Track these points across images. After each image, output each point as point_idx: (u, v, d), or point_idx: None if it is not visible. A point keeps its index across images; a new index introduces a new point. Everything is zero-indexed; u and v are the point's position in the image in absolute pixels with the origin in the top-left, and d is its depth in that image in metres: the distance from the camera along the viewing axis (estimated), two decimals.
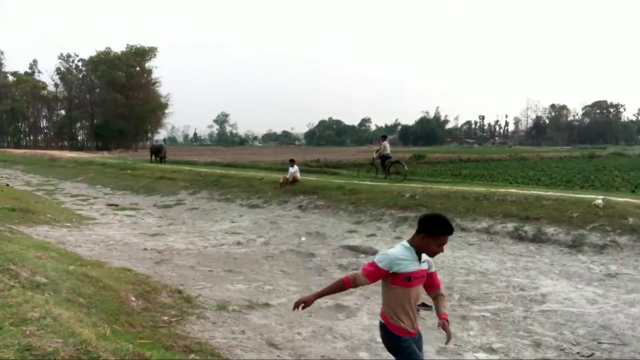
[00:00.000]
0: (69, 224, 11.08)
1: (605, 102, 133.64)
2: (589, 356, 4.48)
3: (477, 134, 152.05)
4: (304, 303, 3.07)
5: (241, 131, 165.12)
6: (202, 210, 14.31)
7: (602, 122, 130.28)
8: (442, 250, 2.93)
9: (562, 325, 5.22)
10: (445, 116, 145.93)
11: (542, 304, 5.91)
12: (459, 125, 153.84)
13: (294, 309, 3.09)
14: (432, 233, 2.84)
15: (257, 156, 45.27)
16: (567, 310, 5.65)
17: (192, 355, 3.71)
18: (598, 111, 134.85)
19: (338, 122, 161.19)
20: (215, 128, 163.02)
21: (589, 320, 5.32)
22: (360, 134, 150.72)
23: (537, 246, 8.36)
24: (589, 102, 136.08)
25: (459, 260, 7.99)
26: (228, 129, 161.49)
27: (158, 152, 30.73)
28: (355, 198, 12.41)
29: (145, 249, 8.62)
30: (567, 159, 46.29)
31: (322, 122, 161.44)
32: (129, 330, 4.17)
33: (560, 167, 31.79)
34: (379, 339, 4.87)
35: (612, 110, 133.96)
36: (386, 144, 16.81)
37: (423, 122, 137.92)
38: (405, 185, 13.36)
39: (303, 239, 9.98)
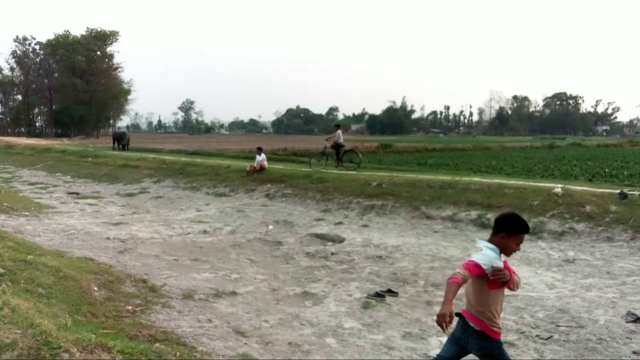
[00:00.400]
0: (27, 213, 10.71)
1: (565, 93, 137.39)
2: (547, 338, 4.64)
3: (442, 124, 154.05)
4: (450, 316, 2.72)
5: (207, 119, 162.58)
6: (167, 198, 14.07)
7: (562, 113, 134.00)
8: (519, 249, 3.03)
9: (522, 309, 5.38)
10: (412, 106, 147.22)
11: None
12: (425, 115, 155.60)
13: (444, 331, 2.79)
14: (512, 231, 2.93)
15: (223, 144, 44.74)
16: (527, 295, 5.83)
17: (157, 345, 3.65)
18: (558, 102, 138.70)
19: (306, 111, 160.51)
20: (180, 115, 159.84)
21: (548, 304, 5.51)
22: (328, 123, 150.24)
23: None
24: (550, 94, 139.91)
25: (424, 247, 8.13)
26: (194, 116, 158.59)
27: (120, 139, 30.03)
28: (322, 186, 12.43)
29: (108, 238, 8.42)
30: (529, 149, 47.47)
31: (289, 111, 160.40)
32: (91, 321, 4.07)
33: (521, 157, 32.61)
34: (346, 325, 4.93)
35: (571, 102, 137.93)
36: (339, 132, 17.02)
37: (390, 111, 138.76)
38: (372, 174, 13.47)
39: (270, 227, 9.95)
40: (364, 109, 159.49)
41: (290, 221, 10.37)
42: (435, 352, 3.31)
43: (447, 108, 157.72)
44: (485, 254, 2.95)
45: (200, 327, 4.46)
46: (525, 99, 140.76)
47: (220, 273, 6.60)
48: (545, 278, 6.43)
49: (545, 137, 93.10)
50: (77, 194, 15.10)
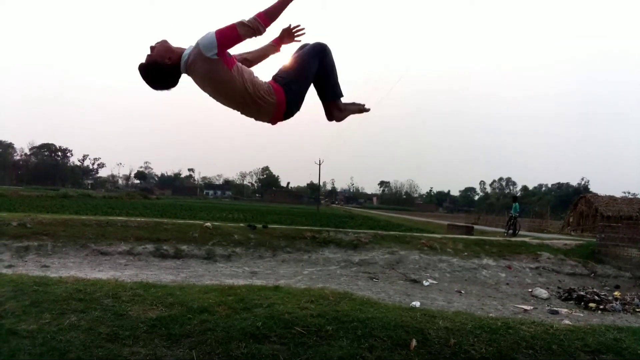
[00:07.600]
0: None
1: (54, 145, 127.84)
2: None
3: None
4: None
5: None
6: None
7: (51, 164, 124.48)
8: None
9: None
10: None
11: None
12: None
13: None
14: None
15: None
16: None
17: None
18: (47, 153, 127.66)
19: None
20: None
21: None
22: None
23: (182, 261, 9.94)
24: (37, 143, 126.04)
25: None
26: None
27: None
28: None
29: None
30: (44, 197, 42.17)
31: None
32: None
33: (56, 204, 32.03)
34: None
35: (60, 153, 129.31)
36: None
37: None
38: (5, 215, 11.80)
39: None
40: None
41: None
42: None
43: None
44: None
45: None
46: (10, 145, 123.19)
47: None
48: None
49: (36, 187, 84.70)
50: None
